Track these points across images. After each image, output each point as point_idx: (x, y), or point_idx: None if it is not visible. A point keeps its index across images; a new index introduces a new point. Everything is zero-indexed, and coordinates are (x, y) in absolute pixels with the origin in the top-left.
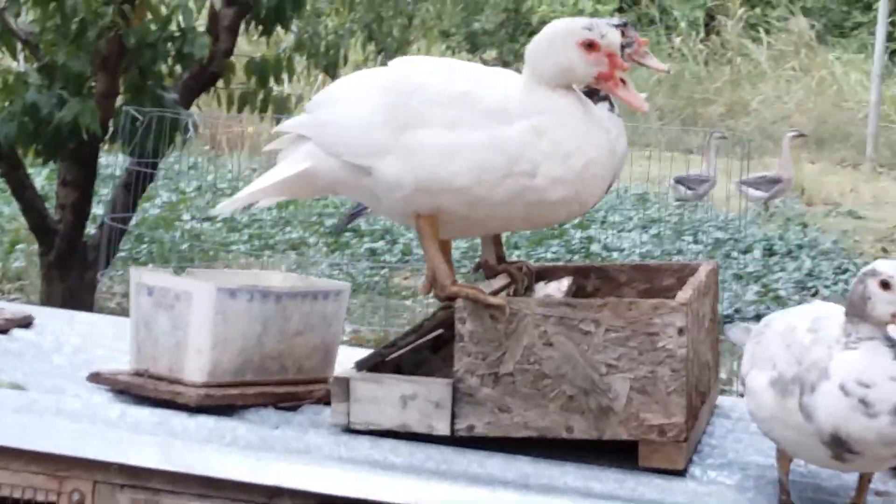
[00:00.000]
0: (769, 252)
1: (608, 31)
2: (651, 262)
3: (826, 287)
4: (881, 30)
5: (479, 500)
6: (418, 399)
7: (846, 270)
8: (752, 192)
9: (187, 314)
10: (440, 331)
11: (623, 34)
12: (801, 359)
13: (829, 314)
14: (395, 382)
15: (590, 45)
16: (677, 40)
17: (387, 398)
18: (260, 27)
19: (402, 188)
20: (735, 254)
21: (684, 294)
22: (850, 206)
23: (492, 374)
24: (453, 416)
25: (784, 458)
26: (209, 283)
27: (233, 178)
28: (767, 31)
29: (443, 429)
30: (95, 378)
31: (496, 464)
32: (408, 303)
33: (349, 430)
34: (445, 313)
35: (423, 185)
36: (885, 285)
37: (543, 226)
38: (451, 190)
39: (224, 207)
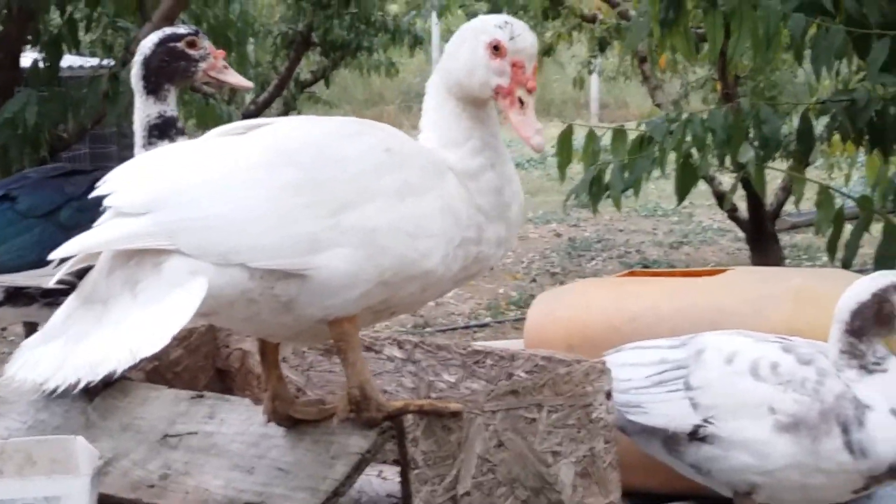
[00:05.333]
0: None
1: (521, 34)
2: None
3: None
4: None
5: None
6: None
7: None
8: None
9: None
10: None
11: (193, 45)
12: (820, 395)
13: (793, 342)
14: None
15: (496, 49)
16: None
17: None
18: None
19: (361, 285)
20: None
21: None
22: None
23: (450, 498)
24: None
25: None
26: (81, 478)
27: None
28: None
29: None
30: None
31: None
32: None
33: None
34: (382, 438)
35: (387, 276)
36: None
37: None
38: (417, 275)
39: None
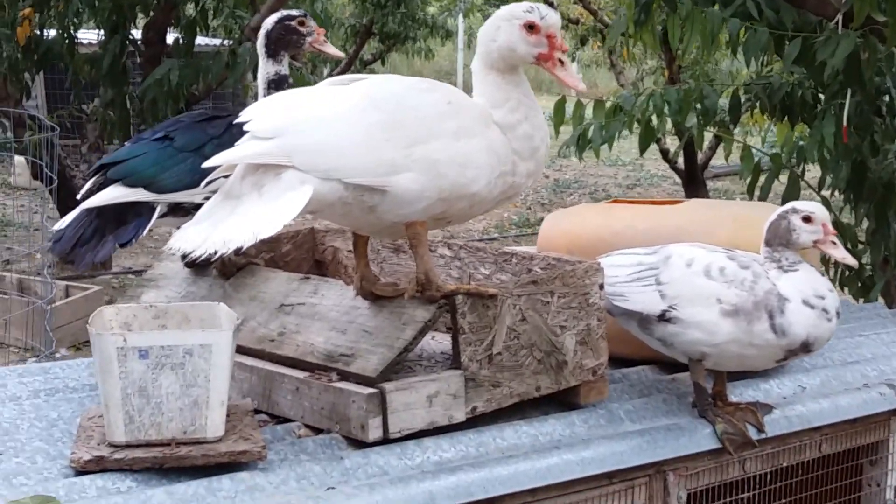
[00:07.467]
0: None
1: (548, 13)
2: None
3: None
4: None
5: (537, 467)
6: (440, 395)
7: None
8: None
9: (206, 369)
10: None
11: (303, 24)
12: (754, 291)
13: (735, 253)
14: (422, 385)
15: (531, 27)
16: None
17: (417, 402)
18: None
19: (424, 200)
20: None
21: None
22: None
23: (487, 356)
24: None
25: (700, 369)
26: (225, 332)
27: None
28: None
29: (460, 416)
30: (87, 464)
31: (510, 434)
32: None
33: (385, 440)
34: (439, 311)
35: (445, 195)
36: (807, 219)
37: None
38: (466, 195)
39: (220, 246)
